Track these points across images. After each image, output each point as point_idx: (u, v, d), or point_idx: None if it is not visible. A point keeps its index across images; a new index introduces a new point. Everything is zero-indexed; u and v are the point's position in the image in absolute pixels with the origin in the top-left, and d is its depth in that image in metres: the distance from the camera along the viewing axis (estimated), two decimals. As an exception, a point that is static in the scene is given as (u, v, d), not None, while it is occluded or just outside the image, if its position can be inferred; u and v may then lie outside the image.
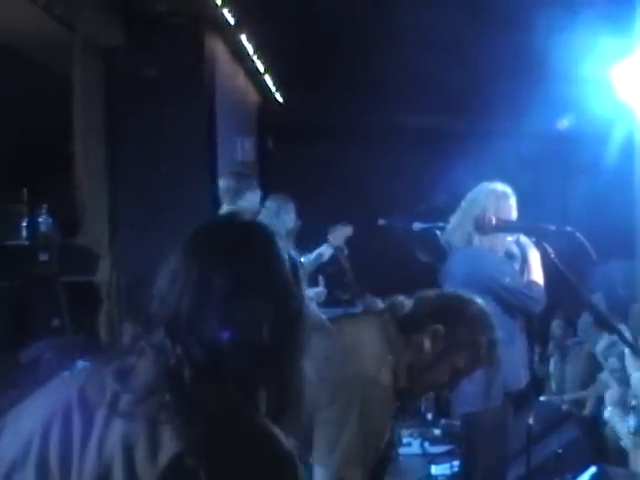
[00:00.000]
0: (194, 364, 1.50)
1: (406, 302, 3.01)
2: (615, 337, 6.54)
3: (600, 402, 6.74)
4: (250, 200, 6.63)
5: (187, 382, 1.48)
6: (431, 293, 3.10)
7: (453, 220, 5.08)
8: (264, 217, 6.77)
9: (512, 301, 4.82)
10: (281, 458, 1.43)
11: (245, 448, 1.43)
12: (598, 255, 3.99)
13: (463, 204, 5.03)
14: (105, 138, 7.97)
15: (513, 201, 4.94)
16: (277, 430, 1.46)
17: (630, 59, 6.82)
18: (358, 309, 7.42)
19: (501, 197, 4.92)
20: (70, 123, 7.29)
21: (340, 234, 7.42)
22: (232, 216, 1.66)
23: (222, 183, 6.77)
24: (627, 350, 6.27)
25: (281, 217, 6.91)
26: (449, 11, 7.88)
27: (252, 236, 1.69)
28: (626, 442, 5.99)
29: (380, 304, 3.05)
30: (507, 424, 4.96)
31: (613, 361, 6.80)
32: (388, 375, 2.82)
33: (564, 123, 10.24)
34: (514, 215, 4.90)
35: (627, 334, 6.49)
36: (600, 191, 9.00)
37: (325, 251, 7.30)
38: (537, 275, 4.78)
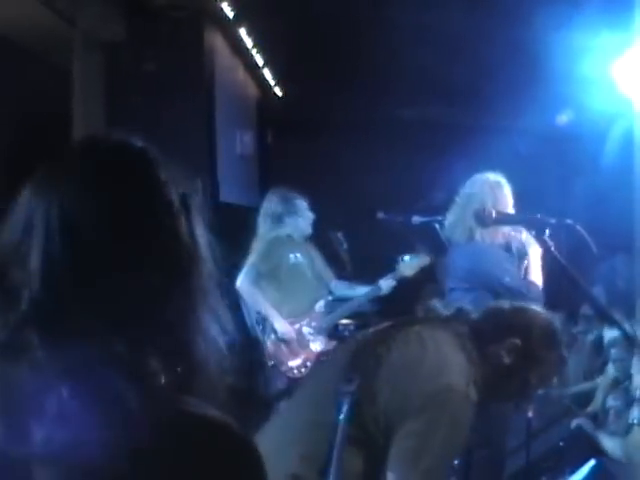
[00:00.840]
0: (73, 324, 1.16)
1: (472, 311, 3.01)
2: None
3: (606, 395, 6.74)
4: (291, 224, 6.64)
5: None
6: (505, 305, 3.10)
7: (451, 215, 5.09)
8: (290, 216, 6.72)
9: (510, 299, 4.82)
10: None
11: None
12: (598, 248, 3.99)
13: (460, 199, 5.03)
14: (104, 131, 7.97)
15: (508, 190, 4.96)
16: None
17: (629, 53, 6.81)
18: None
19: (496, 187, 4.94)
20: (70, 117, 7.29)
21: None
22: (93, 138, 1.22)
23: (265, 204, 6.79)
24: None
25: (305, 215, 6.78)
26: (448, 7, 7.89)
27: (127, 160, 1.37)
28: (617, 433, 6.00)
29: (442, 310, 3.06)
30: (506, 416, 4.97)
31: (615, 352, 6.81)
32: (473, 389, 2.77)
33: (563, 119, 10.23)
34: (510, 204, 4.92)
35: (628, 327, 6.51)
36: (600, 186, 9.00)
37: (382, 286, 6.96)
38: (536, 275, 4.80)
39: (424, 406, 2.65)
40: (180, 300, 1.24)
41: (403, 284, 7.10)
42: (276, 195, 6.79)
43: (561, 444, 6.29)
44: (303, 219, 6.74)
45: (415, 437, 2.63)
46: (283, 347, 6.51)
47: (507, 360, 2.90)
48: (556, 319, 3.13)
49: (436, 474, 2.66)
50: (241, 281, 6.41)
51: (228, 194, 8.88)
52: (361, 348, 2.89)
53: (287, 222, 6.65)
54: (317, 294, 6.73)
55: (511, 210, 4.85)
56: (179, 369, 1.20)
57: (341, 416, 2.64)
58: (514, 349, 2.90)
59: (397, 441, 2.65)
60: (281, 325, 6.45)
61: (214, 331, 1.26)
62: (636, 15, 6.65)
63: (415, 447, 2.63)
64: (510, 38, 7.99)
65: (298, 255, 6.67)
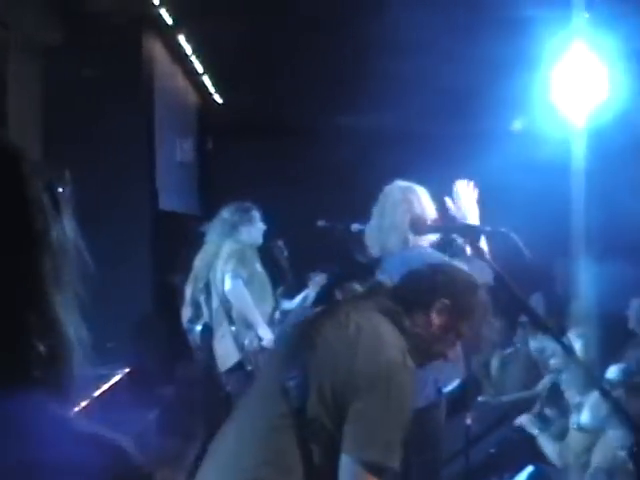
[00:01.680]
0: None
1: (389, 281, 2.99)
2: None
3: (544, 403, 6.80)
4: (247, 233, 6.73)
5: None
6: (422, 268, 3.09)
7: (377, 225, 5.03)
8: (244, 225, 6.82)
9: None
10: None
11: None
12: (535, 256, 4.01)
13: (382, 209, 4.98)
14: (42, 139, 7.88)
15: (428, 197, 4.96)
16: None
17: (563, 62, 6.89)
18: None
19: (421, 195, 4.94)
20: (5, 123, 7.19)
21: (319, 280, 7.51)
22: None
23: (221, 212, 6.84)
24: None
25: (258, 226, 6.89)
26: (392, 15, 7.91)
27: None
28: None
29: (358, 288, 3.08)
30: (442, 422, 4.97)
31: (554, 361, 6.86)
32: (408, 357, 2.76)
33: (518, 124, 10.32)
34: (432, 210, 4.92)
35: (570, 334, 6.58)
36: (537, 194, 9.09)
37: (309, 294, 7.38)
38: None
39: (369, 386, 2.64)
40: (33, 282, 1.17)
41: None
42: (233, 205, 6.85)
43: (499, 450, 6.32)
44: (256, 229, 6.85)
45: (366, 416, 2.62)
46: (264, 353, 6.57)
47: (438, 321, 2.90)
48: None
49: (395, 445, 2.64)
50: (233, 286, 6.48)
51: (167, 202, 8.82)
52: (297, 340, 2.89)
53: (242, 231, 6.73)
54: (273, 303, 6.88)
55: (434, 216, 4.85)
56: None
57: (289, 411, 2.68)
58: (444, 309, 2.89)
59: (349, 424, 2.63)
60: (265, 332, 6.55)
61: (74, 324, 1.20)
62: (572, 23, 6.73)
63: (368, 426, 2.62)
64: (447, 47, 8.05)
65: (258, 264, 6.82)
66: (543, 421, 6.62)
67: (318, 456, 2.67)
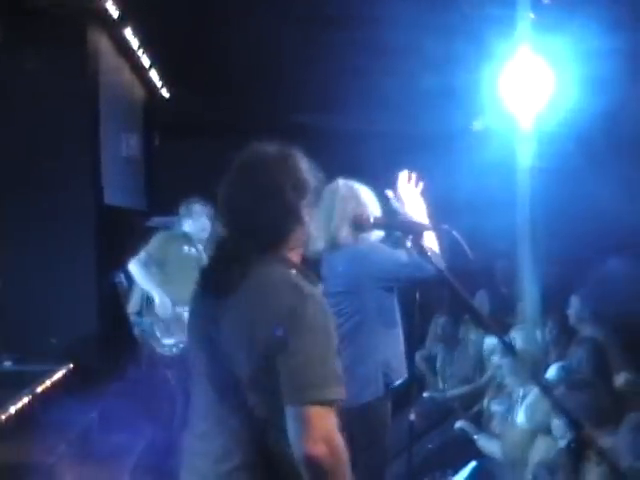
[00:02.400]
0: None
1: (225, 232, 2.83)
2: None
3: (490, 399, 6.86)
4: (188, 225, 7.38)
5: None
6: (233, 194, 2.83)
7: (319, 224, 5.03)
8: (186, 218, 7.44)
9: (414, 271, 4.71)
10: None
11: None
12: (478, 254, 4.04)
13: (339, 200, 5.00)
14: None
15: (370, 194, 4.98)
16: None
17: (510, 63, 6.96)
18: None
19: (363, 192, 4.96)
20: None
21: None
22: None
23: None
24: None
25: (200, 220, 7.41)
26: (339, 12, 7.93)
27: None
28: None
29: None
30: (388, 419, 4.99)
31: (496, 358, 6.92)
32: (307, 284, 2.67)
33: (478, 125, 10.37)
34: (377, 207, 4.94)
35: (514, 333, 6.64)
36: (484, 191, 9.15)
37: None
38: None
39: (291, 328, 2.55)
40: None
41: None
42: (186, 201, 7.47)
43: (444, 445, 6.37)
44: (195, 222, 7.38)
45: (294, 361, 2.54)
46: (161, 324, 7.08)
47: (304, 221, 2.77)
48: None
49: (332, 377, 2.61)
50: (132, 263, 7.03)
51: (113, 197, 8.75)
52: (208, 308, 2.78)
53: (184, 223, 7.40)
54: None
55: (377, 213, 4.86)
56: None
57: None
58: (276, 206, 2.72)
59: (282, 376, 2.55)
60: (161, 302, 7.04)
61: None
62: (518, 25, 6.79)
63: (299, 369, 2.54)
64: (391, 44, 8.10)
65: (192, 249, 7.32)
66: (483, 420, 6.69)
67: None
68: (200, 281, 2.83)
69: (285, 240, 2.74)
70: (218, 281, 2.71)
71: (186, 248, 7.27)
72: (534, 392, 5.64)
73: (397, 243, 4.88)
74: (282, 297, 2.59)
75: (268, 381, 2.56)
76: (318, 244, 5.00)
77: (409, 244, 4.24)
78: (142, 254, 7.06)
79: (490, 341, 7.37)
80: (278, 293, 2.60)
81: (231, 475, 2.65)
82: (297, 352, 2.53)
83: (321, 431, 2.51)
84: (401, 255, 4.80)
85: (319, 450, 2.49)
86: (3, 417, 5.60)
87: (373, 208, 4.89)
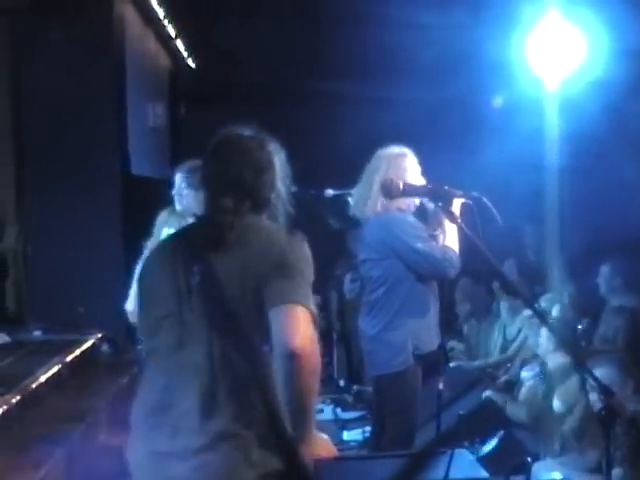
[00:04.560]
0: None
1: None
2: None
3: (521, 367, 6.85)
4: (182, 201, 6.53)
5: None
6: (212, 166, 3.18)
7: (358, 190, 5.09)
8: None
9: (425, 265, 4.86)
10: None
11: None
12: (507, 221, 4.02)
13: (365, 173, 5.04)
14: (10, 103, 7.80)
15: (413, 162, 4.96)
16: None
17: (537, 31, 6.89)
18: None
19: (401, 160, 4.94)
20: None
21: None
22: None
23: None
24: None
25: None
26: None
27: None
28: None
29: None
30: (417, 387, 5.01)
31: (528, 326, 6.90)
32: (285, 230, 3.04)
33: (499, 100, 10.31)
34: (417, 175, 4.93)
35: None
36: (509, 159, 9.10)
37: None
38: (451, 239, 4.82)
39: (278, 265, 2.84)
40: None
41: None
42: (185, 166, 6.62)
43: (472, 415, 6.36)
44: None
45: (285, 284, 2.80)
46: None
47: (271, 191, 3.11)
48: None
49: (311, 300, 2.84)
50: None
51: (139, 166, 8.75)
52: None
53: (185, 194, 6.48)
54: None
55: (419, 181, 4.86)
56: None
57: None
58: (267, 179, 3.11)
59: (270, 292, 2.80)
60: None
61: None
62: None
63: (288, 286, 2.80)
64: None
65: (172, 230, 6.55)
66: (511, 388, 6.68)
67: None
68: (186, 237, 3.09)
69: (267, 209, 3.10)
70: (217, 237, 2.92)
71: (166, 230, 6.67)
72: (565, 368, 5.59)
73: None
74: (274, 241, 2.91)
75: (261, 318, 2.79)
76: (358, 212, 5.06)
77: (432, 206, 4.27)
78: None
79: (518, 310, 7.34)
80: (271, 239, 2.93)
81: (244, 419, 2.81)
82: (284, 278, 2.81)
83: (306, 328, 2.74)
84: (421, 241, 4.81)
85: (305, 343, 2.71)
86: (34, 385, 5.63)
87: (409, 175, 4.87)
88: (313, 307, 2.83)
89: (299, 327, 2.73)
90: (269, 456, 2.81)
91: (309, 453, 2.84)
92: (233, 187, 3.02)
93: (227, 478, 2.79)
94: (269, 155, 3.18)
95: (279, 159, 3.22)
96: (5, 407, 5.10)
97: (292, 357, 2.69)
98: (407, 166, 4.92)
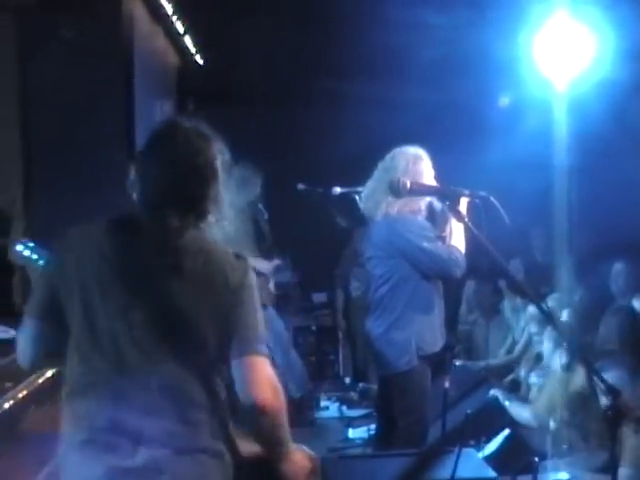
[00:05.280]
0: None
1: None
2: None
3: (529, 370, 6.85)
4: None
5: None
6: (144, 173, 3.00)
7: (368, 187, 5.11)
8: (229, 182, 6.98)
9: (430, 265, 4.87)
10: None
11: None
12: (514, 221, 4.02)
13: (377, 171, 5.05)
14: (18, 100, 7.80)
15: (427, 163, 4.96)
16: None
17: (545, 29, 6.88)
18: None
19: (414, 160, 4.95)
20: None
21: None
22: None
23: None
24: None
25: (246, 188, 7.41)
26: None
27: None
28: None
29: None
30: (425, 387, 5.01)
31: (534, 327, 6.89)
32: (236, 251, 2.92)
33: (505, 100, 10.29)
34: (430, 177, 4.93)
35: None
36: (516, 160, 9.10)
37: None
38: (458, 240, 4.83)
39: (240, 294, 2.81)
40: None
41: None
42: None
43: (477, 413, 6.36)
44: (250, 190, 7.50)
45: (244, 320, 2.81)
46: None
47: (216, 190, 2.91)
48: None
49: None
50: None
51: (147, 163, 8.75)
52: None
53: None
54: None
55: (432, 183, 4.87)
56: None
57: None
58: (212, 188, 2.89)
59: (235, 332, 2.79)
60: None
61: None
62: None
63: (249, 326, 2.82)
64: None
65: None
66: (516, 388, 6.67)
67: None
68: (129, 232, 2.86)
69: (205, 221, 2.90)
70: (162, 240, 2.78)
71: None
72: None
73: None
74: (227, 271, 2.79)
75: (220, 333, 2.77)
76: (367, 210, 5.08)
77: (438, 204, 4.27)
78: None
79: (529, 309, 7.32)
80: (223, 266, 2.80)
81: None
82: (245, 321, 2.79)
83: (268, 377, 2.77)
84: (427, 241, 4.82)
85: (268, 394, 2.73)
86: (40, 380, 5.63)
87: (420, 176, 4.87)
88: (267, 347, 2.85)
89: (264, 378, 2.76)
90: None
91: (291, 468, 2.88)
92: (177, 195, 2.82)
93: None
94: (215, 157, 2.91)
95: (223, 162, 2.95)
96: (11, 402, 5.10)
97: (260, 408, 2.73)
98: (422, 169, 4.93)
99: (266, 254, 7.67)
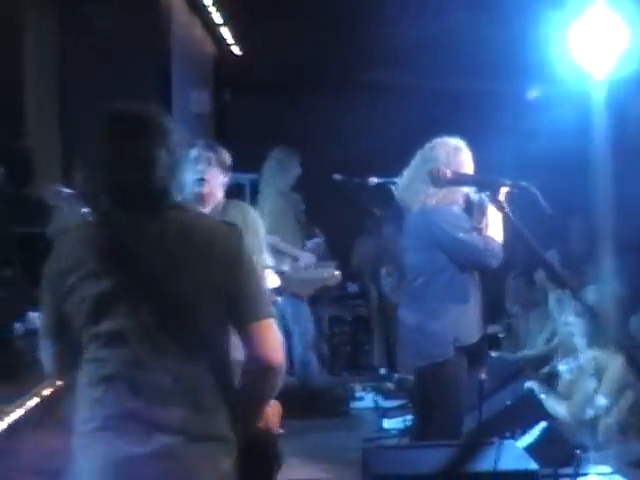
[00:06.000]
0: None
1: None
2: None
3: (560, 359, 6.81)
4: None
5: None
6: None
7: (405, 176, 5.08)
8: (270, 165, 7.52)
9: (466, 255, 4.84)
10: None
11: None
12: (553, 211, 3.99)
13: (415, 160, 5.02)
14: (57, 87, 7.87)
15: (467, 155, 4.94)
16: None
17: (581, 21, 6.84)
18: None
19: (454, 151, 4.92)
20: (21, 74, 7.17)
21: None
22: None
23: None
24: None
25: (286, 170, 7.54)
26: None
27: None
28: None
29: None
30: (461, 378, 4.99)
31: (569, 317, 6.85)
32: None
33: (532, 93, 10.24)
34: (470, 169, 4.91)
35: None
36: (556, 151, 9.05)
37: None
38: (495, 230, 4.80)
39: (238, 267, 2.81)
40: None
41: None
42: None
43: (513, 405, 6.34)
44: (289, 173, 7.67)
45: (247, 289, 2.82)
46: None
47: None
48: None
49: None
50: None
51: (183, 153, 8.78)
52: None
53: (279, 175, 7.67)
54: None
55: (464, 170, 4.84)
56: None
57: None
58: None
59: (239, 300, 2.79)
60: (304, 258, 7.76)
61: None
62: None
63: (253, 293, 2.83)
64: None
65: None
66: (553, 380, 6.63)
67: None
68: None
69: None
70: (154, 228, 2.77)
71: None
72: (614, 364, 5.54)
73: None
74: (227, 237, 2.82)
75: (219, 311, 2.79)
76: (404, 199, 5.06)
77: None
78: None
79: (563, 301, 7.28)
80: (221, 234, 2.83)
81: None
82: (252, 286, 2.82)
83: (278, 339, 2.83)
84: (463, 231, 4.80)
85: (280, 355, 2.80)
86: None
87: (459, 165, 4.85)
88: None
89: (275, 341, 2.82)
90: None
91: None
92: (126, 185, 2.80)
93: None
94: (157, 137, 2.84)
95: (175, 140, 2.89)
96: (51, 389, 5.15)
97: (271, 370, 2.79)
98: (463, 160, 4.90)
99: (307, 235, 7.87)
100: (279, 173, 7.58)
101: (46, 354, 2.90)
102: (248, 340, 2.79)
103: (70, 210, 3.20)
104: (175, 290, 2.72)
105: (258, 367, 2.77)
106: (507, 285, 8.60)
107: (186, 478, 2.69)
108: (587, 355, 5.88)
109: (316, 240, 8.24)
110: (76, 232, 2.88)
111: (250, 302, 2.81)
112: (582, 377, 5.88)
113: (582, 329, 5.97)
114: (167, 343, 2.72)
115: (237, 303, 2.79)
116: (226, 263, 2.77)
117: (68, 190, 4.82)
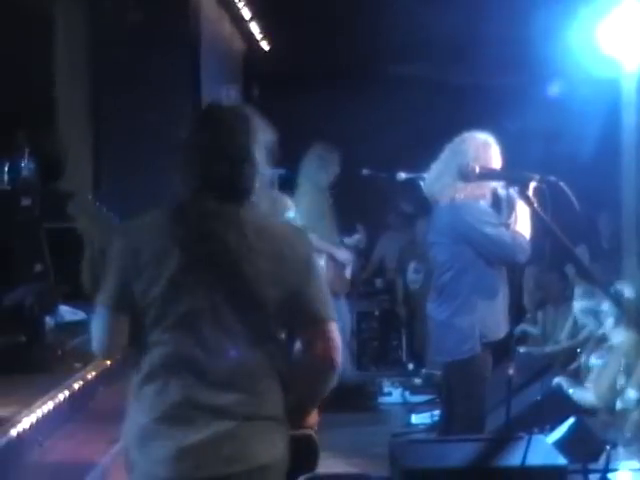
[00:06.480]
0: None
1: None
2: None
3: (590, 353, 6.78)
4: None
5: None
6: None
7: (434, 170, 5.08)
8: (310, 161, 7.54)
9: (494, 251, 4.84)
10: None
11: None
12: (582, 206, 3.98)
13: (444, 154, 5.01)
14: (88, 83, 7.92)
15: (496, 150, 4.93)
16: None
17: (614, 13, 6.80)
18: None
19: (484, 146, 4.91)
20: (53, 69, 7.22)
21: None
22: None
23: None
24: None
25: (326, 167, 7.57)
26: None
27: None
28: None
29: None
30: (487, 374, 4.99)
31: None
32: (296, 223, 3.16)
33: (554, 89, 10.19)
34: (498, 164, 4.90)
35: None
36: (585, 145, 9.01)
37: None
38: (523, 225, 4.79)
39: (307, 271, 2.89)
40: None
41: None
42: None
43: (541, 401, 6.33)
44: (329, 170, 7.69)
45: (315, 290, 2.89)
46: None
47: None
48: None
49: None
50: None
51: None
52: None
53: (318, 172, 7.66)
54: None
55: (493, 165, 4.83)
56: None
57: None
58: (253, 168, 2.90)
59: (308, 302, 2.87)
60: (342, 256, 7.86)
61: None
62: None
63: (320, 295, 2.90)
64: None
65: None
66: (581, 375, 6.61)
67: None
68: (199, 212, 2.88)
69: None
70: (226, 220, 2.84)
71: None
72: None
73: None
74: (296, 241, 2.91)
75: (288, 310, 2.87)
76: (432, 193, 5.06)
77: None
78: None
79: (594, 296, 7.25)
80: (290, 237, 2.92)
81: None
82: (317, 289, 2.90)
83: (339, 341, 2.91)
84: (490, 226, 4.80)
85: (340, 357, 2.89)
86: (109, 361, 5.73)
87: (488, 159, 4.84)
88: None
89: (337, 342, 2.90)
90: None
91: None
92: (212, 179, 2.88)
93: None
94: (250, 138, 2.94)
95: (264, 141, 2.99)
96: (81, 382, 5.20)
97: (333, 370, 2.89)
98: (492, 155, 4.89)
99: (348, 230, 7.93)
100: (320, 170, 7.57)
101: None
102: (313, 340, 2.88)
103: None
104: (250, 277, 2.80)
105: (323, 366, 2.88)
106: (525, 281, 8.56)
107: (244, 456, 2.76)
108: (618, 337, 5.86)
109: (356, 236, 8.25)
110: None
111: (318, 304, 2.89)
112: (613, 359, 5.86)
113: (614, 316, 5.96)
114: (235, 328, 2.80)
115: (305, 304, 2.87)
116: (295, 265, 2.86)
117: (92, 201, 4.87)
